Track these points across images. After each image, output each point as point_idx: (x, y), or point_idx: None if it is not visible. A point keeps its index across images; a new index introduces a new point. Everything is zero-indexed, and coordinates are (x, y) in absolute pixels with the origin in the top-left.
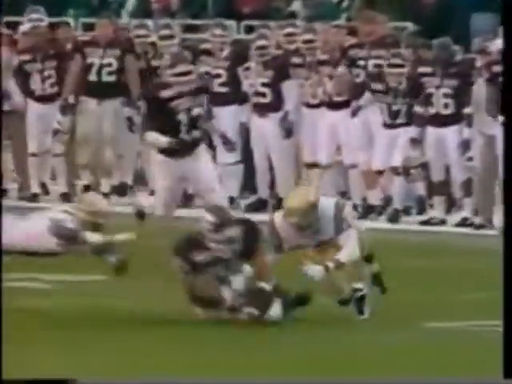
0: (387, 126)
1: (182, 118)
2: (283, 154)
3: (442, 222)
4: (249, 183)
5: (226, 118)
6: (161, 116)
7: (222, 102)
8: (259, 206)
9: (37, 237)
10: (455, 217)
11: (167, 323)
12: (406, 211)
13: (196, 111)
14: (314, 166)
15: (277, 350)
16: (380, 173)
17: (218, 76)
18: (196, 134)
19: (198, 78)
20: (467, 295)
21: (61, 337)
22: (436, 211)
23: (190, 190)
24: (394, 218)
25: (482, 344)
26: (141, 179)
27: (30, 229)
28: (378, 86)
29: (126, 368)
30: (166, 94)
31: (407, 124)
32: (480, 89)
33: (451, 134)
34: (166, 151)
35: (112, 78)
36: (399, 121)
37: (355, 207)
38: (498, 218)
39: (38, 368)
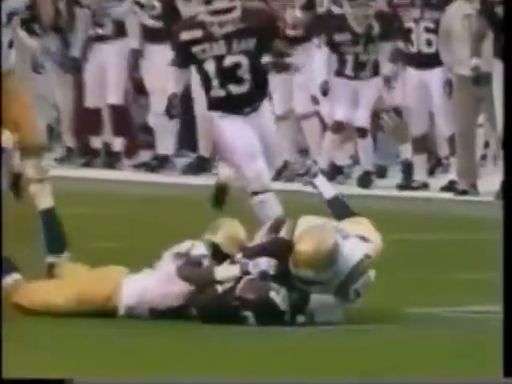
0: (349, 77)
1: (210, 67)
2: None
3: (425, 186)
4: (187, 139)
5: (158, 59)
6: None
7: (153, 39)
8: (200, 166)
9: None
10: (440, 180)
11: (168, 321)
12: (381, 174)
13: (233, 60)
14: None
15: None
16: (342, 126)
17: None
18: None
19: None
20: (459, 275)
21: (60, 336)
22: (417, 173)
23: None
24: (365, 182)
25: (478, 334)
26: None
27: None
28: (343, 37)
29: (125, 368)
30: (189, 35)
31: (374, 75)
32: (453, 18)
33: (436, 78)
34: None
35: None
36: (365, 73)
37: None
38: (484, 182)
39: (37, 368)
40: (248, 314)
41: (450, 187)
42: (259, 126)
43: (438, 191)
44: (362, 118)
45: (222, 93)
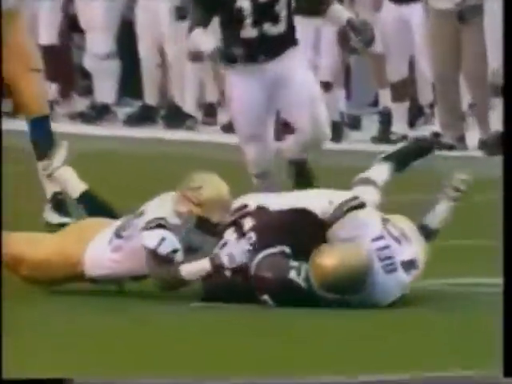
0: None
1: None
2: (178, 43)
3: (404, 139)
4: (130, 85)
5: None
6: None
7: None
8: (145, 116)
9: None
10: (422, 132)
11: (169, 319)
12: (354, 125)
13: None
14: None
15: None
16: None
17: None
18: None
19: None
20: (448, 242)
21: (60, 336)
22: (396, 124)
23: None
24: (334, 135)
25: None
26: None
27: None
28: None
29: (125, 367)
30: None
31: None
32: None
33: (416, 14)
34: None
35: None
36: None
37: None
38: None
39: (37, 368)
40: (265, 297)
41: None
42: (279, 75)
43: None
44: (325, 70)
45: (254, 33)
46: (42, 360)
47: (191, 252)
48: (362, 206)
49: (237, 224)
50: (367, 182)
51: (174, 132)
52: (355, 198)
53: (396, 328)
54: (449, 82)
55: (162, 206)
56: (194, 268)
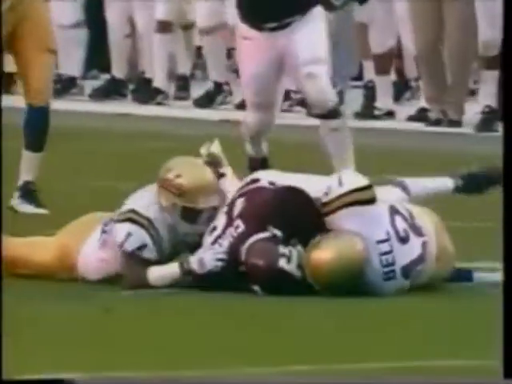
0: None
1: None
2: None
3: (389, 115)
4: (97, 56)
5: None
6: None
7: None
8: (113, 90)
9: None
10: (408, 107)
11: (169, 318)
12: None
13: None
14: (188, 27)
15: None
16: None
17: None
18: None
19: None
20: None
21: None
22: (380, 99)
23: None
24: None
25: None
26: None
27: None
28: None
29: (126, 367)
30: None
31: None
32: None
33: None
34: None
35: None
36: None
37: None
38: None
39: (37, 368)
40: (256, 287)
41: (420, 116)
42: (290, 43)
43: (406, 120)
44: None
45: None
46: (42, 360)
47: (183, 246)
48: (372, 200)
49: (230, 206)
50: (398, 184)
51: (143, 107)
52: (368, 187)
53: (394, 318)
54: (432, 55)
55: (143, 197)
56: (163, 273)
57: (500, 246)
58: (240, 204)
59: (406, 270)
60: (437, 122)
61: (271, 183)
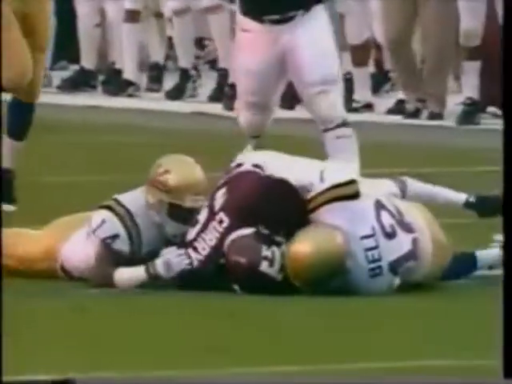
0: None
1: None
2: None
3: (368, 107)
4: (66, 47)
5: None
6: None
7: None
8: (82, 81)
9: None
10: (388, 99)
11: (169, 318)
12: None
13: None
14: (160, 15)
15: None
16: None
17: None
18: None
19: None
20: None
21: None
22: (358, 91)
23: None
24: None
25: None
26: None
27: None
28: None
29: (126, 367)
30: None
31: None
32: None
33: None
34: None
35: None
36: None
37: None
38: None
39: (37, 368)
40: (236, 287)
41: (399, 108)
42: (292, 41)
43: (385, 113)
44: None
45: None
46: (42, 360)
47: (170, 245)
48: (355, 195)
49: (211, 198)
50: (398, 180)
51: (114, 99)
52: (351, 182)
53: (391, 317)
54: (401, 45)
55: (132, 193)
56: (128, 275)
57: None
58: (222, 196)
59: (394, 266)
60: (414, 114)
61: (255, 165)
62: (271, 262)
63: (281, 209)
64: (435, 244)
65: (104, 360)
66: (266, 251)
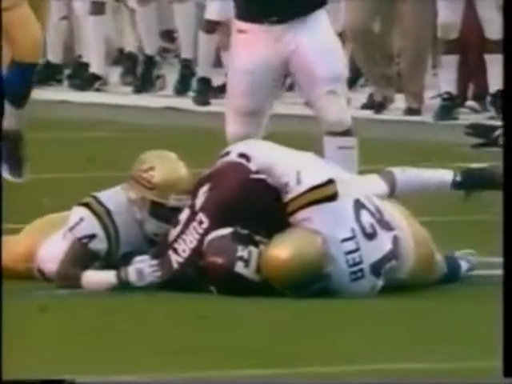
0: None
1: None
2: None
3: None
4: None
5: None
6: None
7: None
8: (48, 75)
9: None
10: (362, 94)
11: (138, 320)
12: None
13: None
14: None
15: None
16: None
17: None
18: None
19: None
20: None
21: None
22: None
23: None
24: None
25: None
26: None
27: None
28: None
29: (125, 367)
30: None
31: None
32: None
33: None
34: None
35: None
36: None
37: None
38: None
39: (37, 368)
40: (212, 288)
41: (372, 103)
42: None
43: (359, 108)
44: None
45: None
46: (42, 360)
47: (151, 244)
48: (333, 196)
49: (193, 197)
50: (384, 173)
51: (80, 94)
52: (329, 182)
53: (386, 318)
54: (363, 34)
55: (113, 190)
56: (98, 279)
57: (500, 244)
58: (203, 194)
59: (376, 268)
60: (380, 106)
61: (241, 155)
62: (247, 262)
63: (260, 209)
64: (416, 241)
65: (71, 361)
66: (241, 251)
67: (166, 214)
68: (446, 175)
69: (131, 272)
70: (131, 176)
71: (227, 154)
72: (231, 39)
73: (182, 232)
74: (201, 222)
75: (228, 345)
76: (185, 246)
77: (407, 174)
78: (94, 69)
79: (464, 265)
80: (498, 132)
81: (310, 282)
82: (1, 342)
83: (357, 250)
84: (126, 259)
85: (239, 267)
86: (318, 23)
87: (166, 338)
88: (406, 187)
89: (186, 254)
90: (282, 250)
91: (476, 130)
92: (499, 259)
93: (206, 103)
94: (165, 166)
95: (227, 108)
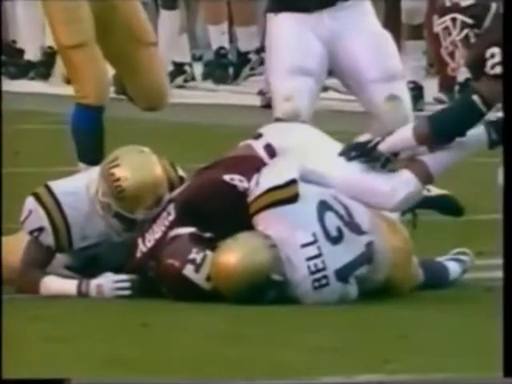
0: None
1: None
2: None
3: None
4: None
5: None
6: None
7: None
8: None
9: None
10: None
11: (80, 327)
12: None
13: None
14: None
15: None
16: None
17: None
18: None
19: None
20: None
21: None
22: None
23: None
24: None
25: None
26: None
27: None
28: None
29: (127, 368)
30: None
31: None
32: None
33: None
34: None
35: None
36: None
37: None
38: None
39: (37, 368)
40: (164, 290)
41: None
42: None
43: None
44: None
45: None
46: (42, 360)
47: (116, 247)
48: (293, 198)
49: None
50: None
51: (15, 83)
52: (290, 184)
53: (338, 327)
54: None
55: (75, 177)
56: (58, 288)
57: (500, 244)
58: (183, 184)
59: (343, 274)
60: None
61: (267, 146)
62: (198, 266)
63: (227, 213)
64: (393, 246)
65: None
66: (195, 254)
67: (130, 223)
68: (480, 135)
69: (92, 286)
70: (101, 173)
71: (258, 136)
72: (267, 34)
73: (154, 220)
74: (169, 214)
75: (168, 353)
76: (151, 236)
77: (437, 158)
78: (29, 56)
79: (454, 266)
80: (373, 143)
81: (260, 290)
82: (1, 341)
83: (319, 255)
84: (90, 253)
85: (188, 270)
86: (360, 6)
87: (108, 347)
88: (439, 172)
89: (150, 244)
90: (227, 255)
91: (355, 150)
92: (491, 261)
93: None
94: (137, 176)
95: (274, 79)
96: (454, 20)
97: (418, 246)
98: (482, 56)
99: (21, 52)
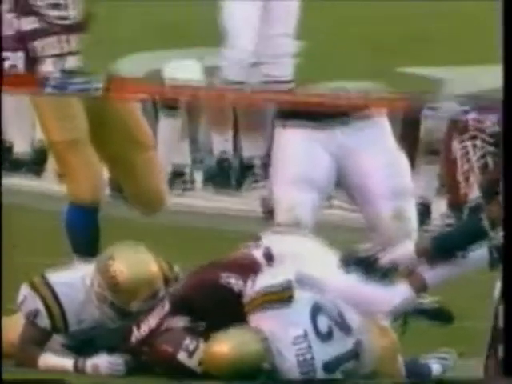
0: None
1: None
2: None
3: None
4: None
5: None
6: None
7: None
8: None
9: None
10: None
11: None
12: None
13: None
14: None
15: None
16: None
17: None
18: None
19: None
20: None
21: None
22: None
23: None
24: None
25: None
26: None
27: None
28: None
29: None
30: None
31: None
32: None
33: None
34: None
35: None
36: None
37: None
38: None
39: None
40: (157, 369)
41: None
42: (346, 150)
43: None
44: None
45: None
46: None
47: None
48: (288, 300)
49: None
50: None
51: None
52: (285, 286)
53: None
54: None
55: (73, 270)
56: (55, 364)
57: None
58: (180, 281)
59: (330, 366)
60: None
61: (266, 250)
62: (191, 354)
63: (219, 310)
64: (380, 344)
65: None
66: (188, 342)
67: (125, 313)
68: (482, 253)
69: (88, 365)
70: (96, 266)
71: (258, 239)
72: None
73: (149, 311)
74: (164, 307)
75: None
76: (146, 326)
77: (436, 270)
78: (19, 150)
79: (437, 368)
80: (373, 258)
81: (250, 377)
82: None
83: (309, 349)
84: (86, 335)
85: (182, 356)
86: (376, 126)
87: None
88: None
89: (144, 333)
90: (220, 345)
91: (355, 264)
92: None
93: None
94: (133, 270)
95: (278, 186)
96: (474, 144)
97: (404, 345)
98: (498, 180)
99: (9, 148)
